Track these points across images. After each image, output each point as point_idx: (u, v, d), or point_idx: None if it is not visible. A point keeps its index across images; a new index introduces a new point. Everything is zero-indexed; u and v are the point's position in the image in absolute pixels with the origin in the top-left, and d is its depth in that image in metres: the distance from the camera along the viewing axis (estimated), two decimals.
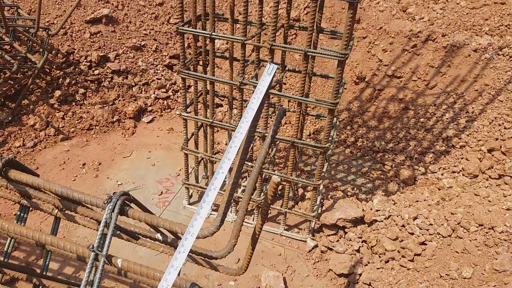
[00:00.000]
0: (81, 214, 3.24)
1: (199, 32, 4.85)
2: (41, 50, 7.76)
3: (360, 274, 5.37)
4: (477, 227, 4.96)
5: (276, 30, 4.52)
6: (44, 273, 3.75)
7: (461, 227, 5.04)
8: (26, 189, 3.18)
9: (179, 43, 5.01)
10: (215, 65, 9.26)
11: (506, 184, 6.31)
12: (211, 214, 6.37)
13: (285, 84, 8.65)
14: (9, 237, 3.71)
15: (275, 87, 5.19)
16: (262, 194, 6.01)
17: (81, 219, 3.60)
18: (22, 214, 3.62)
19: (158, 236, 3.23)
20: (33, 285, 3.74)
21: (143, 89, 8.84)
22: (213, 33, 4.73)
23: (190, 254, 3.47)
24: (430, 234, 5.16)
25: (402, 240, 5.27)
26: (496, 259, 4.61)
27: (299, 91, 4.88)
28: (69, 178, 6.87)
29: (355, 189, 7.02)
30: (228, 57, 5.42)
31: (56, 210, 3.65)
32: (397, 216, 5.50)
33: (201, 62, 5.68)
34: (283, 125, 8.21)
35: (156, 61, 9.20)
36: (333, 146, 7.56)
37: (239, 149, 2.49)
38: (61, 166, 7.08)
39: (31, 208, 3.62)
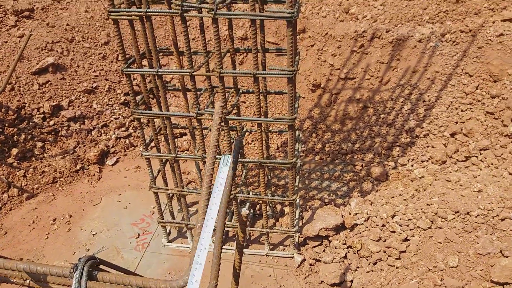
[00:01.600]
0: (52, 282, 3.09)
1: (145, 71, 4.77)
2: None
3: (352, 281, 5.35)
4: (453, 214, 5.03)
5: (222, 57, 4.50)
6: None
7: (439, 217, 5.10)
8: None
9: (127, 84, 4.91)
10: (173, 95, 9.19)
11: (473, 164, 6.47)
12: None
13: (244, 102, 8.65)
14: None
15: (232, 111, 5.15)
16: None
17: (55, 286, 3.43)
18: None
19: None
20: None
21: (102, 132, 8.64)
22: (159, 70, 4.67)
23: None
24: (411, 229, 5.20)
25: (385, 240, 5.29)
26: (478, 243, 4.69)
27: (256, 112, 4.87)
28: (41, 237, 6.58)
29: (331, 194, 7.04)
30: (181, 89, 5.35)
31: (28, 281, 3.45)
32: (376, 217, 5.52)
33: (154, 98, 5.59)
34: (250, 143, 8.18)
35: (111, 100, 9.03)
36: (300, 161, 7.58)
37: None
38: (31, 226, 6.78)
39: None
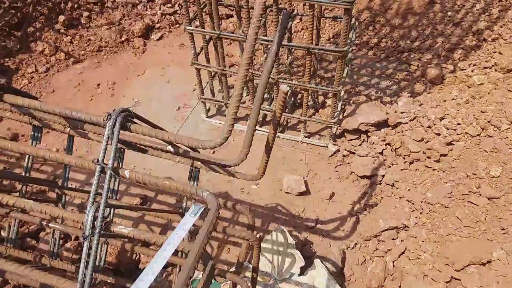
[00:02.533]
0: (89, 131, 3.16)
1: None
2: None
3: (383, 176, 5.26)
4: (509, 124, 4.66)
5: None
6: (65, 184, 3.84)
7: (492, 125, 4.74)
8: (30, 111, 3.12)
9: None
10: None
11: None
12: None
13: None
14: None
15: None
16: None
17: (93, 135, 3.51)
18: (36, 134, 3.60)
19: (169, 148, 3.12)
20: (56, 195, 4.00)
21: (148, 6, 8.39)
22: None
23: (207, 164, 3.39)
24: (457, 134, 4.90)
25: (427, 141, 5.05)
26: None
27: None
28: (85, 98, 6.82)
29: (379, 92, 6.69)
30: None
31: (68, 128, 3.54)
32: (423, 117, 5.23)
33: None
34: (300, 31, 7.73)
35: None
36: (352, 50, 7.12)
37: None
38: (77, 88, 7.03)
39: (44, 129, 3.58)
